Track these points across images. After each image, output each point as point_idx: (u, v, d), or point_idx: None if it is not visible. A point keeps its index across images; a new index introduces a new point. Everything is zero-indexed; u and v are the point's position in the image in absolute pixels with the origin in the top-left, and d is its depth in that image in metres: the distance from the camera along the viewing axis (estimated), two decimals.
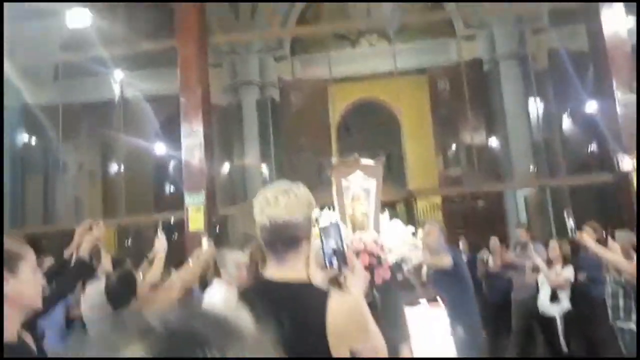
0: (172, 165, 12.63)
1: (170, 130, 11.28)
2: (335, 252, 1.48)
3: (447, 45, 11.65)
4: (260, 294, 1.38)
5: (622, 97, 5.45)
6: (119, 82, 11.19)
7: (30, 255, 1.51)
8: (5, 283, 1.40)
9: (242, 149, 11.36)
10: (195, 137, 6.39)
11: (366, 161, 4.44)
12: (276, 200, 1.37)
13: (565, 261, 4.99)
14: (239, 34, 9.79)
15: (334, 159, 4.59)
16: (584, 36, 6.70)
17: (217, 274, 3.55)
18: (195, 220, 6.28)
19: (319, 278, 1.46)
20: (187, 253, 5.32)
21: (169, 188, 13.62)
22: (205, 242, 3.86)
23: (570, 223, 4.26)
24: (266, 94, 11.67)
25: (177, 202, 8.86)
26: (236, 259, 3.26)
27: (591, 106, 10.57)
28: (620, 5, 5.78)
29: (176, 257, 4.87)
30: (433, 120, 11.49)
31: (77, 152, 11.91)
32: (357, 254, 3.80)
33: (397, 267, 4.12)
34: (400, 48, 9.55)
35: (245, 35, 9.38)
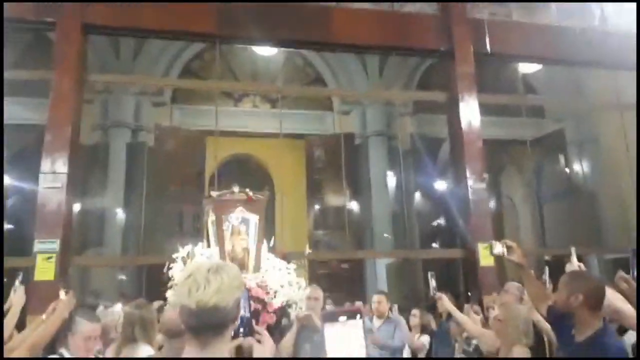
0: (16, 203, 11.28)
1: (23, 163, 10.19)
2: (242, 320, 1.43)
3: (324, 117, 12.47)
4: None
5: (474, 185, 6.23)
6: None
7: None
8: None
9: (104, 192, 10.59)
10: (57, 179, 5.83)
11: (249, 196, 4.14)
12: (207, 283, 1.29)
13: (424, 329, 5.39)
14: (120, 75, 9.37)
15: (213, 192, 4.31)
16: (444, 124, 7.59)
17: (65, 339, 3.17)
18: (45, 269, 5.63)
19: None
20: (29, 306, 4.69)
21: (8, 228, 12.06)
22: (63, 294, 3.44)
23: (432, 283, 4.54)
24: (138, 138, 11.17)
25: (16, 246, 7.87)
26: (88, 330, 2.89)
27: (441, 185, 11.94)
28: (476, 103, 6.72)
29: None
30: (307, 183, 11.94)
31: None
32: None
33: (282, 311, 3.94)
34: (282, 112, 9.93)
35: (127, 79, 9.00)
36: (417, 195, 13.07)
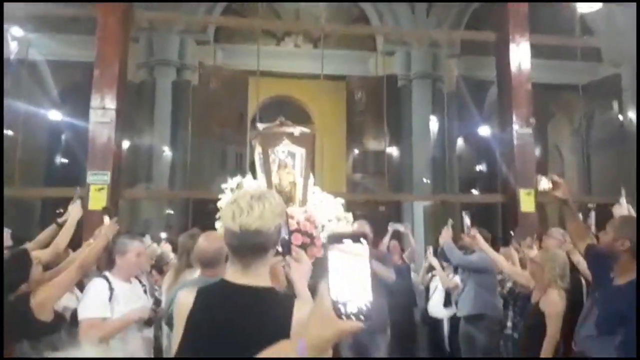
0: (69, 137, 11.78)
1: (72, 100, 10.55)
2: (281, 241, 1.46)
3: (367, 57, 12.16)
4: (222, 296, 1.37)
5: (519, 130, 6.07)
6: (18, 40, 10.20)
7: None
8: None
9: (152, 130, 10.92)
10: (106, 115, 6.04)
11: (296, 129, 4.05)
12: (250, 208, 1.34)
13: (455, 269, 5.45)
14: (165, 13, 9.37)
15: (259, 124, 4.31)
16: (491, 67, 7.32)
17: (110, 263, 3.38)
18: (97, 199, 5.94)
19: None
20: (84, 234, 5.01)
21: (61, 161, 12.68)
22: (107, 219, 3.67)
23: (467, 221, 4.42)
24: (183, 77, 11.31)
25: (71, 177, 8.28)
26: (137, 247, 3.12)
27: (485, 131, 11.64)
28: (527, 44, 6.42)
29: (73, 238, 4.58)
30: (347, 126, 11.88)
31: None
32: (289, 232, 3.62)
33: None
34: (324, 52, 9.76)
35: (172, 16, 9.00)
36: (460, 141, 12.83)
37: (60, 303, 3.04)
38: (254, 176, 4.17)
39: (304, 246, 3.54)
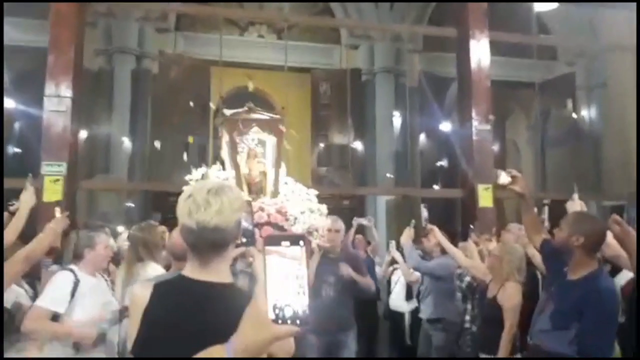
0: (23, 125, 11.31)
1: (25, 87, 10.11)
2: (244, 232, 1.42)
3: (331, 50, 12.17)
4: (179, 291, 1.34)
5: (479, 126, 6.20)
6: None
7: None
8: None
9: (110, 119, 10.59)
10: (62, 103, 5.79)
11: (264, 115, 3.86)
12: (207, 204, 1.29)
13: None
14: None
15: (226, 110, 3.93)
16: (453, 63, 7.44)
17: (76, 255, 3.33)
18: (52, 191, 5.73)
19: None
20: (38, 226, 4.83)
21: (14, 151, 12.17)
22: (58, 212, 3.58)
23: (424, 214, 4.47)
24: (143, 65, 11.01)
25: (25, 168, 7.95)
26: (105, 240, 3.14)
27: (446, 126, 11.88)
28: (487, 41, 6.55)
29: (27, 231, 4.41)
30: (312, 119, 11.86)
31: None
32: (258, 225, 3.37)
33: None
34: (288, 44, 9.69)
35: (130, 2, 8.70)
36: (422, 136, 13.03)
37: (9, 298, 2.98)
38: (223, 167, 3.96)
39: None
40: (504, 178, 2.88)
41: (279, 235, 0.97)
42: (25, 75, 10.39)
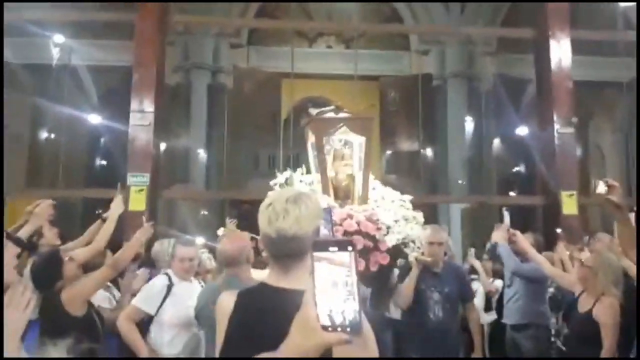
0: (108, 140, 12.09)
1: (111, 104, 10.83)
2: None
3: (400, 57, 12.05)
4: (262, 299, 1.36)
5: (561, 130, 5.88)
6: (60, 47, 10.54)
7: None
8: None
9: (188, 132, 11.11)
10: (145, 118, 6.16)
11: (354, 114, 3.57)
12: (286, 213, 1.30)
13: (494, 274, 5.31)
14: (199, 16, 9.54)
15: (311, 109, 3.65)
16: (529, 65, 7.13)
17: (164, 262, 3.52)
18: (137, 201, 6.08)
19: None
20: (125, 235, 5.13)
21: (100, 163, 13.04)
22: (144, 221, 3.76)
23: (506, 219, 4.12)
24: (218, 79, 11.48)
25: (110, 179, 8.50)
26: (182, 253, 3.24)
27: (523, 130, 11.36)
28: (568, 41, 6.22)
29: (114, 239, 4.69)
30: (380, 126, 11.78)
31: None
32: (348, 234, 3.08)
33: (397, 250, 3.31)
34: (357, 52, 9.73)
35: (207, 19, 9.15)
36: (496, 141, 12.55)
37: (95, 302, 3.18)
38: (309, 171, 3.70)
39: (365, 251, 3.13)
40: (602, 187, 2.69)
41: (327, 240, 0.95)
42: (111, 93, 11.14)
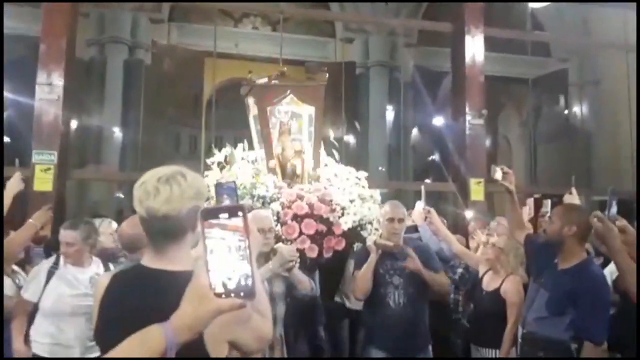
0: (13, 114, 11.18)
1: (16, 76, 10.00)
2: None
3: (326, 43, 12.16)
4: (135, 280, 1.33)
5: (472, 121, 6.24)
6: None
7: None
8: None
9: (101, 109, 10.52)
10: (53, 92, 5.75)
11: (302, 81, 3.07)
12: (156, 191, 1.26)
13: None
14: None
15: (253, 76, 3.18)
16: (446, 58, 7.46)
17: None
18: (43, 180, 5.70)
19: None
20: (29, 214, 4.80)
21: (5, 139, 12.04)
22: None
23: (423, 195, 4.15)
24: (136, 55, 10.93)
25: (14, 157, 7.90)
26: (62, 235, 3.02)
27: (439, 121, 11.91)
28: (482, 37, 6.57)
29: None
30: None
31: None
32: (298, 218, 2.79)
33: (354, 233, 3.00)
34: (283, 36, 9.65)
35: None
36: (415, 130, 13.06)
37: None
38: (251, 146, 3.31)
39: (319, 235, 2.86)
40: (499, 174, 2.91)
41: (216, 208, 0.94)
42: (15, 63, 10.28)
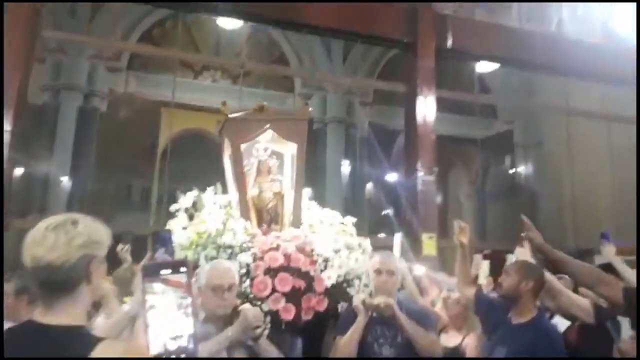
0: None
1: None
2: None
3: (284, 98, 12.42)
4: (24, 336, 1.24)
5: (424, 177, 6.44)
6: None
7: None
8: None
9: (50, 157, 10.18)
10: None
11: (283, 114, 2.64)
12: (43, 239, 1.22)
13: None
14: (76, 34, 8.96)
15: (228, 111, 2.84)
16: (400, 116, 7.74)
17: None
18: None
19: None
20: None
21: None
22: None
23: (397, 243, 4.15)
24: (91, 103, 10.77)
25: None
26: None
27: (393, 177, 12.20)
28: (433, 98, 6.90)
29: None
30: None
31: None
32: (271, 271, 2.41)
33: (338, 291, 2.59)
34: (242, 89, 9.80)
35: (83, 38, 8.61)
36: (369, 185, 13.30)
37: None
38: (225, 190, 2.97)
39: (296, 293, 2.43)
40: (457, 227, 3.01)
41: (157, 264, 0.92)
42: None
